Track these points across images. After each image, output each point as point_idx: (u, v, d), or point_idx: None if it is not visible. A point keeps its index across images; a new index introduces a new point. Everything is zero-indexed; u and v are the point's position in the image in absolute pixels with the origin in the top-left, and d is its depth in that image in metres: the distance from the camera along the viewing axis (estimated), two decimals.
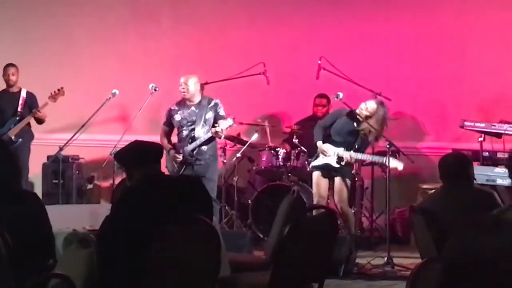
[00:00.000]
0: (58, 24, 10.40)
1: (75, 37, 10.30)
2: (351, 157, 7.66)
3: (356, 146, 7.69)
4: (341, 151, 7.68)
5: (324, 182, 7.85)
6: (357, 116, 7.63)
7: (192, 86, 7.92)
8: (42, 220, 4.16)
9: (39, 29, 10.44)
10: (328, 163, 7.74)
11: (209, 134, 7.77)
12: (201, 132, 7.84)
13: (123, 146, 4.63)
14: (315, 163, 7.86)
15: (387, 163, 7.46)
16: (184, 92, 7.91)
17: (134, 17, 10.29)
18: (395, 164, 7.52)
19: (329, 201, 8.00)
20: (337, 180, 7.77)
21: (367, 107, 7.65)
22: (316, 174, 7.88)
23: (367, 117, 7.61)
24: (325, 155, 7.74)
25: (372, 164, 8.50)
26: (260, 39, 9.84)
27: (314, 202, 7.82)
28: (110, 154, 8.10)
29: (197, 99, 7.96)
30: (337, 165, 7.70)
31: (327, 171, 7.80)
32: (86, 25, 10.32)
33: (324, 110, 9.06)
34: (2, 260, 3.70)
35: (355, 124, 7.68)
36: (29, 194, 4.34)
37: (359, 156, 7.71)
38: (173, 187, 4.39)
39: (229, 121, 7.79)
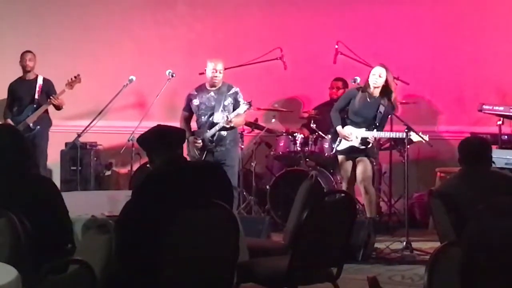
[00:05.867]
0: (74, 11, 10.37)
1: (91, 24, 10.28)
2: (374, 137, 7.67)
3: (377, 124, 7.69)
4: (363, 132, 7.67)
5: (350, 165, 7.85)
6: (374, 88, 7.63)
7: (222, 72, 7.95)
8: (57, 204, 4.18)
9: (55, 16, 10.41)
10: (352, 146, 7.75)
11: (224, 122, 7.78)
12: (220, 118, 7.84)
13: (144, 131, 4.61)
14: (340, 147, 7.87)
15: (410, 137, 7.41)
16: (217, 78, 7.91)
17: (150, 3, 10.25)
18: (419, 137, 7.47)
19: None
20: (361, 159, 7.78)
21: (380, 73, 7.64)
22: (341, 158, 7.91)
23: (384, 86, 7.63)
24: (347, 140, 7.73)
25: (391, 148, 8.48)
26: (277, 23, 9.78)
27: (343, 187, 7.83)
28: (128, 141, 8.13)
29: (218, 85, 7.98)
30: (363, 147, 7.70)
31: (352, 154, 7.80)
32: (102, 11, 10.30)
33: (339, 93, 8.93)
34: (20, 245, 3.72)
35: (370, 99, 7.67)
36: (43, 179, 4.35)
37: (382, 134, 7.71)
38: (195, 172, 4.39)
39: (241, 108, 7.79)
